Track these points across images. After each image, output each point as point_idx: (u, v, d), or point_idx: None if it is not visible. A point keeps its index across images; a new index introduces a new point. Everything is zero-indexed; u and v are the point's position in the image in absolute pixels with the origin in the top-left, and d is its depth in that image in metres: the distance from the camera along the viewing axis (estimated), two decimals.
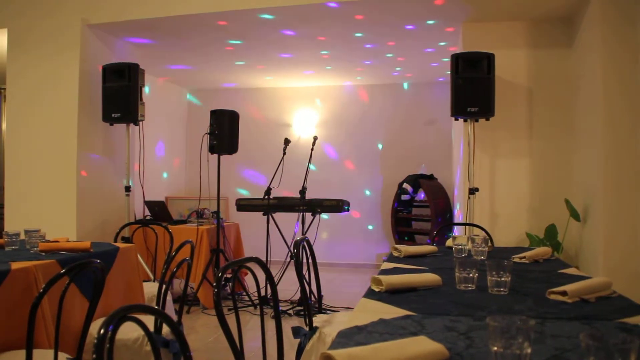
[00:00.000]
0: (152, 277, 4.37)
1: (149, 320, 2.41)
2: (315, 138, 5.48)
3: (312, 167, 5.30)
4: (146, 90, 5.37)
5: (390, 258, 2.74)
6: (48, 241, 2.94)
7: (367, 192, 7.50)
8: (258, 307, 4.96)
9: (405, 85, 7.42)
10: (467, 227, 4.23)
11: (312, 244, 2.78)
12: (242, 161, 7.39)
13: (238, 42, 5.43)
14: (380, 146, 7.48)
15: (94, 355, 1.09)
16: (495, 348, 1.05)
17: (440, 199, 6.65)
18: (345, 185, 7.51)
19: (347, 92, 7.62)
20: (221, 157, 5.24)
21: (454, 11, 4.46)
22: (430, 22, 4.73)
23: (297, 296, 5.07)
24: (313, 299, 4.75)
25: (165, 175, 7.52)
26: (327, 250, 7.39)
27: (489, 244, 2.87)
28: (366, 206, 7.47)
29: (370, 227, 7.49)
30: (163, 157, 7.44)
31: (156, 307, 2.42)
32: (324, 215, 5.18)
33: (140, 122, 4.93)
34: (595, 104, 3.99)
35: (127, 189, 4.93)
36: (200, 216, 5.44)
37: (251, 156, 7.59)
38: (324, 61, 6.24)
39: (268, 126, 7.79)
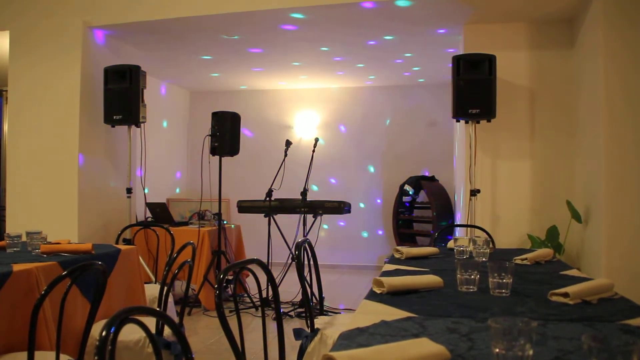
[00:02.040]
0: (153, 278, 4.37)
1: (151, 322, 2.41)
2: (316, 140, 5.48)
3: (313, 169, 5.29)
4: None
5: (392, 260, 2.74)
6: (50, 243, 2.94)
7: (368, 194, 7.50)
8: (259, 308, 4.96)
9: (407, 87, 7.42)
10: (468, 228, 4.22)
11: (313, 245, 2.78)
12: (243, 163, 7.39)
13: (240, 43, 5.43)
14: (380, 150, 7.49)
15: (96, 357, 1.09)
16: (497, 350, 1.05)
17: (442, 201, 6.65)
18: (346, 186, 7.51)
19: (349, 93, 7.62)
20: (222, 158, 5.24)
21: (456, 13, 4.47)
22: (432, 23, 4.73)
23: (299, 298, 5.07)
24: (314, 300, 4.75)
25: (166, 177, 7.52)
26: (328, 252, 7.39)
27: (491, 245, 2.87)
28: (367, 208, 7.47)
29: (371, 229, 7.49)
30: (164, 159, 7.45)
31: (158, 308, 2.43)
32: (325, 217, 5.19)
33: (142, 124, 4.93)
34: (597, 105, 3.99)
35: (129, 190, 4.93)
36: (201, 218, 5.44)
37: (252, 158, 7.59)
38: (326, 62, 6.24)
39: (269, 128, 7.80)
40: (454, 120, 4.53)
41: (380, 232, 7.45)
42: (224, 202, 6.70)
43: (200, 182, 5.23)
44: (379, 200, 7.46)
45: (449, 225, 6.22)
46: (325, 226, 7.27)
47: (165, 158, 7.46)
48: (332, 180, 7.56)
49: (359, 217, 7.43)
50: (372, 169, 7.51)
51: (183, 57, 6.02)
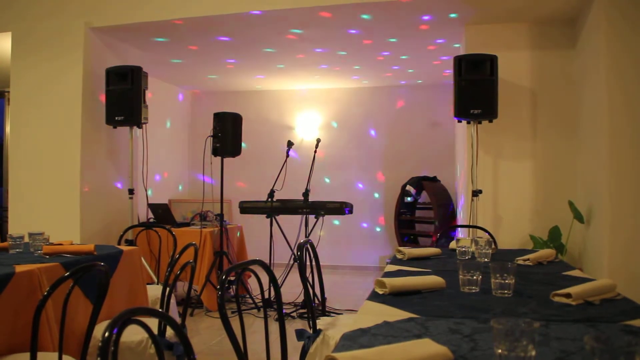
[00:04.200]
0: (155, 279, 4.38)
1: (153, 323, 2.41)
2: (318, 140, 5.48)
3: (315, 169, 5.29)
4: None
5: (394, 260, 2.74)
6: (52, 244, 2.94)
7: (370, 194, 7.49)
8: (262, 309, 4.96)
9: (409, 87, 7.42)
10: (470, 229, 4.22)
11: (315, 246, 2.78)
12: (245, 164, 7.39)
13: (242, 44, 5.43)
14: (381, 150, 7.48)
15: (99, 358, 1.09)
16: (500, 350, 1.05)
17: (444, 201, 6.64)
18: (348, 187, 7.51)
19: (351, 94, 7.62)
20: (224, 159, 5.25)
21: (457, 13, 4.46)
22: (434, 24, 4.73)
23: (301, 299, 5.07)
24: (317, 301, 4.75)
25: (168, 178, 7.53)
26: (330, 253, 7.38)
27: (493, 246, 2.87)
28: (369, 208, 7.46)
29: (373, 230, 7.48)
30: (166, 160, 7.45)
31: (160, 309, 2.43)
32: (327, 218, 5.20)
33: (144, 125, 4.94)
34: (599, 105, 3.98)
35: (131, 191, 4.94)
36: (203, 219, 5.45)
37: (254, 159, 7.60)
38: (329, 63, 6.24)
39: (271, 129, 7.80)
40: (456, 120, 4.52)
41: (382, 233, 7.44)
42: (226, 203, 6.71)
43: (202, 183, 5.24)
44: (380, 201, 7.45)
45: (451, 226, 6.21)
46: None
47: (167, 159, 7.46)
48: (334, 181, 7.55)
49: (361, 217, 7.42)
50: (373, 170, 7.50)
51: (184, 58, 6.02)
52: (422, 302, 1.76)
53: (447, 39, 5.15)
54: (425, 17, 4.57)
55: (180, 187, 7.86)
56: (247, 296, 5.26)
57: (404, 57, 5.90)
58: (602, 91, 3.91)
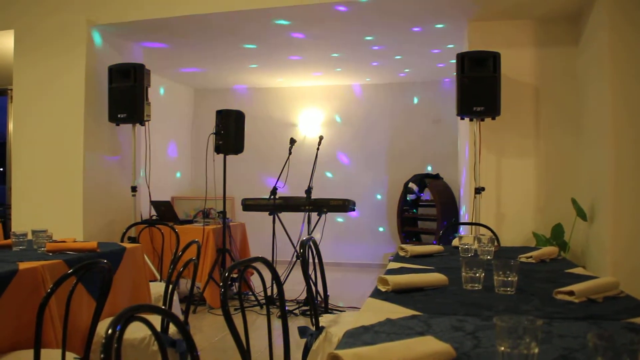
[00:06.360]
0: (158, 277, 4.38)
1: (156, 320, 2.42)
2: (321, 138, 5.47)
3: (317, 166, 5.29)
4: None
5: (397, 258, 2.74)
6: (55, 241, 2.95)
7: (373, 192, 7.49)
8: (264, 306, 4.97)
9: (411, 84, 7.40)
10: (473, 226, 4.22)
11: (318, 243, 2.78)
12: (248, 161, 7.39)
13: (245, 42, 5.43)
14: (384, 148, 7.48)
15: (102, 355, 1.09)
16: (503, 348, 1.05)
17: (446, 199, 6.64)
18: (351, 184, 7.51)
19: (354, 91, 7.61)
20: (227, 157, 5.25)
21: (460, 10, 4.46)
22: (436, 21, 4.72)
23: (304, 296, 5.07)
24: (319, 298, 4.75)
25: (171, 175, 7.54)
26: (333, 250, 7.39)
27: (495, 243, 2.86)
28: (372, 206, 7.46)
29: (376, 227, 7.48)
30: (169, 157, 7.46)
31: (163, 306, 2.43)
32: (330, 215, 5.20)
33: (146, 123, 4.95)
34: (602, 102, 3.97)
35: (134, 189, 4.94)
36: (206, 216, 5.45)
37: (257, 156, 7.60)
38: (332, 62, 6.24)
39: (274, 126, 7.80)
40: (459, 118, 4.52)
41: (384, 230, 7.44)
42: (229, 200, 6.71)
43: (205, 180, 5.24)
44: (383, 198, 7.45)
45: (454, 223, 6.21)
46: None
47: (170, 156, 7.47)
48: (337, 178, 7.55)
49: (364, 214, 7.43)
50: (376, 167, 7.50)
51: (187, 55, 6.02)
52: (425, 299, 1.76)
53: (449, 36, 5.14)
54: (428, 14, 4.57)
55: (182, 185, 7.86)
56: (250, 293, 5.27)
57: (406, 54, 5.90)
58: (605, 88, 3.90)
